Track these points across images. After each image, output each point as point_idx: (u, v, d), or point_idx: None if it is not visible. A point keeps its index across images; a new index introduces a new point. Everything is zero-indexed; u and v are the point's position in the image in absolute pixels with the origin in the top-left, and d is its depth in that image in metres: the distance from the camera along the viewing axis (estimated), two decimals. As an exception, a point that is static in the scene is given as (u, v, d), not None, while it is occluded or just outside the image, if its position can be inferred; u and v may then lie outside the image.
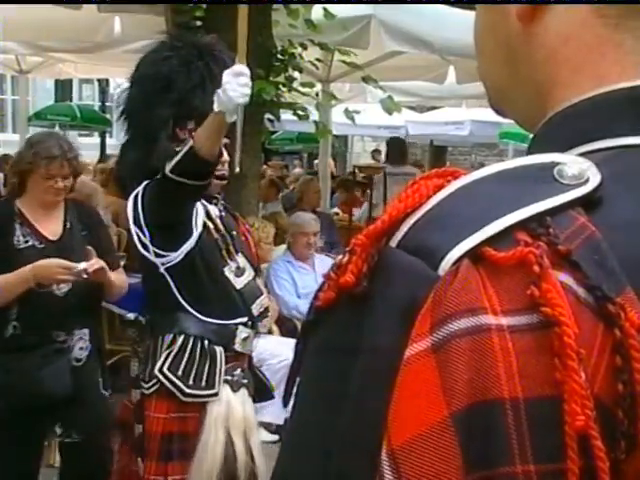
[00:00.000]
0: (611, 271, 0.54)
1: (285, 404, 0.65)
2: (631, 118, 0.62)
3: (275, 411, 4.70)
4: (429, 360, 0.53)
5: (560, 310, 0.52)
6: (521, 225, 0.55)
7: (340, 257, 0.59)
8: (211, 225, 3.05)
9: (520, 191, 0.57)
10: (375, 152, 18.78)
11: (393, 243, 0.57)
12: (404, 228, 0.57)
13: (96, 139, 19.73)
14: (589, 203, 0.56)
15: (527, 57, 0.68)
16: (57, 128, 16.51)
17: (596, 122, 0.63)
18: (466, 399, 0.52)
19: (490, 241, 0.54)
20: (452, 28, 6.35)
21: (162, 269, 2.96)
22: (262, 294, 3.19)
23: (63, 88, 22.30)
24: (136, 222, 2.98)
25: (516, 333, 0.52)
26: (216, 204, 3.14)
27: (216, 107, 2.77)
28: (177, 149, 2.95)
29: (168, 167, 2.84)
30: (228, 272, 3.05)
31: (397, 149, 8.96)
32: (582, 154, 0.60)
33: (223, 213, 3.16)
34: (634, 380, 0.52)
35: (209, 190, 3.08)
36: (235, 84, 2.75)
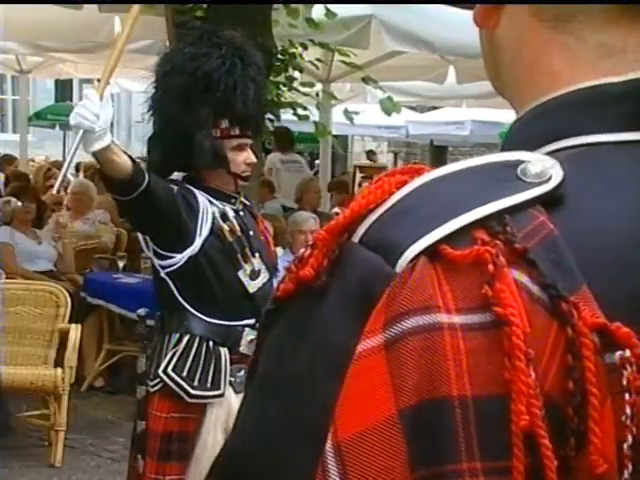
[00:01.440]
0: (567, 269, 0.54)
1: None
2: (594, 116, 0.63)
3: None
4: (380, 356, 0.53)
5: (511, 310, 0.52)
6: (480, 223, 0.55)
7: (302, 250, 0.60)
8: (226, 227, 3.00)
9: (481, 189, 0.57)
10: (370, 152, 18.76)
11: (355, 239, 0.57)
12: (366, 224, 0.57)
13: (96, 139, 19.71)
14: (550, 201, 0.57)
15: (500, 61, 0.70)
16: (57, 128, 16.51)
17: (562, 121, 0.64)
18: (415, 396, 0.52)
19: (448, 239, 0.54)
20: (452, 28, 6.35)
21: (162, 273, 2.95)
22: None
23: (63, 88, 22.28)
24: None
25: (468, 332, 0.53)
26: (234, 203, 3.09)
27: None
28: (246, 158, 2.99)
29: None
30: (243, 276, 3.01)
31: (284, 137, 9.29)
32: (548, 153, 0.61)
33: (242, 212, 3.11)
34: (584, 378, 0.52)
35: (229, 189, 3.06)
36: (77, 109, 2.76)
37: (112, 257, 7.48)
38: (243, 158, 3.02)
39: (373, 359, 0.53)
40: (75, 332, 5.21)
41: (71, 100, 21.26)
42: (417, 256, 0.54)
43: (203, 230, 2.95)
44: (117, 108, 23.74)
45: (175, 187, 2.96)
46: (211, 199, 3.01)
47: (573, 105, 0.63)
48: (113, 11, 7.06)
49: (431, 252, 0.54)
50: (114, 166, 2.77)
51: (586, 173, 0.59)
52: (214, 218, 2.99)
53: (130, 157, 2.85)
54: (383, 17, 6.79)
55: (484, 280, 0.53)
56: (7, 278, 5.89)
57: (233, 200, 3.08)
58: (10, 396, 5.39)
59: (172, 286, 2.94)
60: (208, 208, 2.98)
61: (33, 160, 13.20)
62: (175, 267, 2.93)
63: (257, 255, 3.07)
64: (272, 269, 3.17)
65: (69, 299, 5.36)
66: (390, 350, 0.53)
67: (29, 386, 5.09)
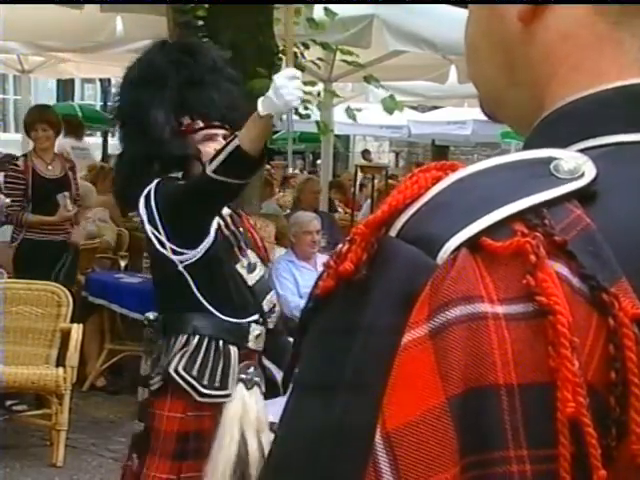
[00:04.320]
0: (606, 261, 0.55)
1: (284, 391, 0.66)
2: (626, 116, 0.63)
3: (279, 411, 4.69)
4: (426, 346, 0.53)
5: (555, 299, 0.53)
6: (518, 216, 0.56)
7: (340, 246, 0.60)
8: (222, 222, 3.05)
9: (517, 183, 0.57)
10: (365, 152, 18.79)
11: (393, 233, 0.58)
12: (403, 218, 0.58)
13: (98, 139, 19.72)
14: (585, 196, 0.57)
15: (524, 58, 0.68)
16: (59, 128, 16.51)
17: (592, 120, 0.64)
18: (462, 384, 0.53)
19: (487, 231, 0.55)
20: (454, 27, 6.34)
21: (180, 267, 2.94)
22: (271, 290, 3.21)
23: (65, 88, 22.30)
24: (150, 221, 2.97)
25: (512, 321, 0.53)
26: None
27: (264, 109, 2.82)
28: (217, 148, 2.97)
29: (210, 167, 2.85)
30: (240, 268, 3.05)
31: (73, 125, 10.25)
32: (579, 151, 0.61)
33: (230, 210, 3.16)
34: (626, 368, 0.53)
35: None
36: (291, 88, 2.84)
37: (114, 257, 7.49)
38: (213, 148, 3.02)
39: (419, 349, 0.53)
40: (77, 332, 5.21)
41: (73, 100, 21.28)
42: (458, 248, 0.55)
43: (214, 221, 3.00)
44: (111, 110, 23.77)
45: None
46: None
47: (605, 104, 0.64)
48: (114, 11, 7.07)
49: (471, 244, 0.55)
50: (263, 144, 2.89)
51: (616, 171, 0.60)
52: None
53: None
54: (385, 17, 6.79)
55: (525, 271, 0.54)
56: (8, 277, 5.90)
57: None
58: (11, 396, 5.40)
59: (190, 281, 2.93)
60: None
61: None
62: (194, 259, 2.93)
63: (250, 250, 3.12)
64: (266, 263, 3.22)
65: (71, 299, 5.36)
66: (436, 340, 0.53)
67: (31, 386, 5.10)
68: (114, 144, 18.77)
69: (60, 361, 5.20)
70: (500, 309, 0.53)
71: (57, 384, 5.04)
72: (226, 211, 3.08)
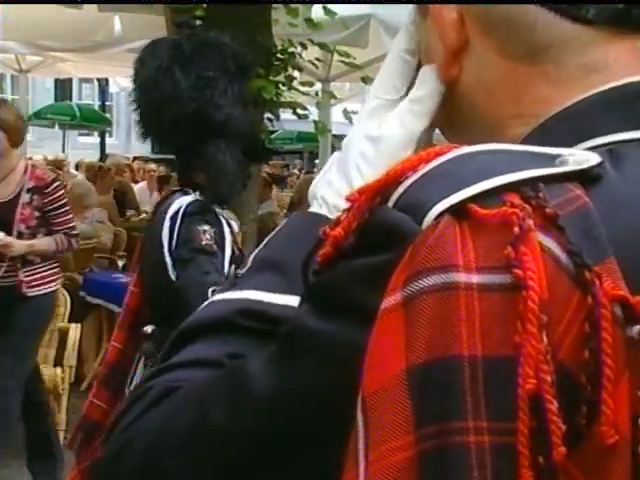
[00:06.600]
0: (595, 240, 0.55)
1: None
2: (619, 116, 0.64)
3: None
4: (399, 314, 0.54)
5: (530, 274, 0.52)
6: (512, 187, 0.56)
7: (339, 214, 0.61)
8: (232, 238, 2.98)
9: (518, 161, 0.58)
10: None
11: (390, 203, 0.58)
12: (400, 189, 0.58)
13: (96, 139, 19.71)
14: (588, 179, 0.57)
15: (472, 104, 0.71)
16: (57, 127, 16.52)
17: (589, 122, 0.65)
18: (424, 354, 0.53)
19: (477, 198, 0.55)
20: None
21: None
22: None
23: (63, 87, 22.33)
24: (170, 252, 2.83)
25: (485, 292, 0.53)
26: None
27: None
28: None
29: None
30: None
31: None
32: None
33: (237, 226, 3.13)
34: (600, 349, 0.53)
35: (231, 196, 3.03)
36: None
37: (112, 256, 7.49)
38: None
39: (392, 316, 0.54)
40: (75, 331, 5.22)
41: (70, 99, 21.29)
42: (442, 214, 0.55)
43: (225, 262, 2.86)
44: (117, 108, 23.73)
45: (210, 229, 2.82)
46: (224, 213, 2.98)
47: (598, 106, 0.65)
48: (113, 10, 7.07)
49: (458, 210, 0.55)
50: None
51: (619, 165, 0.60)
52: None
53: None
54: (382, 16, 6.80)
55: (509, 241, 0.53)
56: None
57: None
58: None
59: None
60: (227, 230, 2.93)
61: (31, 159, 13.20)
62: None
63: None
64: None
65: (68, 298, 5.36)
66: (407, 308, 0.54)
67: (29, 385, 5.09)
68: (112, 144, 18.82)
69: (58, 361, 5.20)
70: (475, 278, 0.53)
71: (55, 384, 5.04)
72: (236, 230, 3.01)
